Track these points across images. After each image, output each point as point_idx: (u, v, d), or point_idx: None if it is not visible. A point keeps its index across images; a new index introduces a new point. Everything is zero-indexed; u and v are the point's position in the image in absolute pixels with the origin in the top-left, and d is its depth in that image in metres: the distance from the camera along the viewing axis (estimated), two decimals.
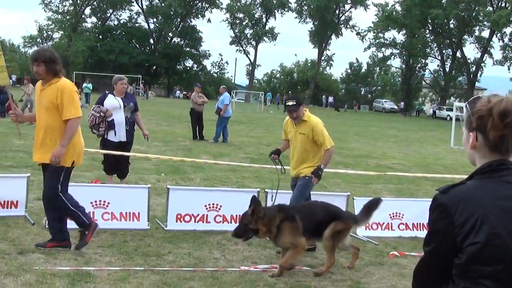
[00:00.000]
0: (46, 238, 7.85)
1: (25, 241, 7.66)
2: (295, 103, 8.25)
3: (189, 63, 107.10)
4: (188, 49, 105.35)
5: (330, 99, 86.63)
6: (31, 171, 11.22)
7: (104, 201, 8.80)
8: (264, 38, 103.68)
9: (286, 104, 8.57)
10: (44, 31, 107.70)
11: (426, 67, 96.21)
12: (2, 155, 15.20)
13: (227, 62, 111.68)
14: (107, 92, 11.54)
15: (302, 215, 7.31)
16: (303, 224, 7.20)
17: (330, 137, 8.33)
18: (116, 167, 11.39)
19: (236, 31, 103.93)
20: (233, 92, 25.30)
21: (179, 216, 8.99)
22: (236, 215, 9.23)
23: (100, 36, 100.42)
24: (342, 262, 7.91)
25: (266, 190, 9.61)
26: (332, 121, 44.57)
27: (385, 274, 7.61)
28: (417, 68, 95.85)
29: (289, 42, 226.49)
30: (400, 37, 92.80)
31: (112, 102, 11.13)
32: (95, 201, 8.76)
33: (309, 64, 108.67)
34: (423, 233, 8.73)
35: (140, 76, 74.60)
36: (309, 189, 8.47)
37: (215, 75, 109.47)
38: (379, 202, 8.02)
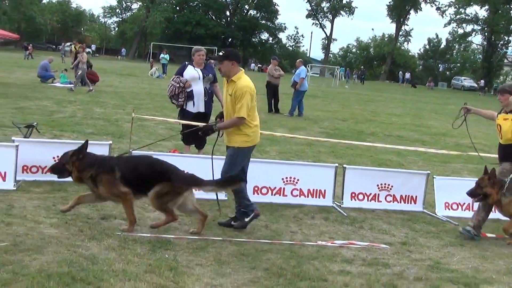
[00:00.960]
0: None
1: (106, 207, 7.82)
2: (222, 54, 7.54)
3: (264, 36, 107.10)
4: (263, 21, 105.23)
5: (407, 75, 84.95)
6: (112, 139, 11.47)
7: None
8: (341, 11, 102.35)
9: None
10: (123, 2, 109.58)
11: (509, 45, 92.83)
12: (84, 122, 15.61)
13: (302, 36, 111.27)
14: (186, 63, 11.61)
15: (123, 168, 7.03)
16: (123, 176, 6.97)
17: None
18: (195, 138, 11.48)
19: (313, 4, 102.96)
20: (308, 66, 25.05)
21: (256, 189, 9.00)
22: (314, 190, 9.21)
23: (177, 8, 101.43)
24: (421, 242, 7.77)
25: (344, 165, 9.50)
26: (408, 97, 43.78)
27: (466, 255, 7.41)
28: (499, 45, 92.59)
29: (366, 16, 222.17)
30: (482, 12, 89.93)
31: (192, 72, 11.18)
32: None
33: (386, 39, 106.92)
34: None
35: (216, 48, 74.68)
36: (240, 159, 7.52)
37: (290, 48, 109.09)
38: (239, 182, 7.35)
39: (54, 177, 7.60)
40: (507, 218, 8.25)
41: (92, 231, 6.79)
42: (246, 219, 7.52)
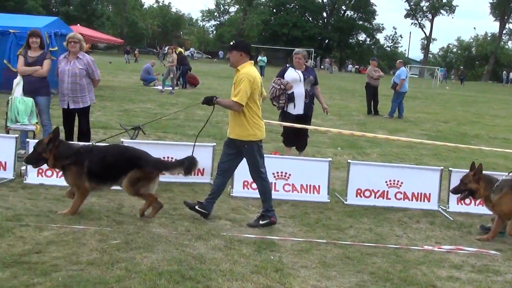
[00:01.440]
0: (230, 206, 8.17)
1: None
2: (232, 44, 7.48)
3: (361, 36, 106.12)
4: (361, 22, 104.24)
5: None
6: (214, 141, 11.66)
7: (286, 173, 8.95)
8: (441, 10, 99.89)
9: None
10: (221, 5, 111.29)
11: None
12: (186, 124, 15.98)
13: (400, 36, 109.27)
14: (287, 65, 11.65)
15: (92, 159, 7.12)
16: (91, 169, 7.07)
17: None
18: (295, 140, 11.52)
19: (412, 3, 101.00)
20: (407, 67, 24.64)
21: (359, 191, 8.93)
22: (418, 193, 9.02)
23: (274, 10, 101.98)
24: None
25: (449, 168, 9.25)
26: None
27: None
28: None
29: (468, 15, 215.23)
30: None
31: (292, 75, 11.21)
32: (277, 172, 8.93)
33: (489, 38, 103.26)
34: None
35: (313, 50, 74.81)
36: (252, 153, 7.41)
37: (388, 49, 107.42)
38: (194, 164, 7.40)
39: (160, 178, 7.76)
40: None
41: (199, 231, 6.94)
42: (261, 222, 7.41)
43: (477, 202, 8.82)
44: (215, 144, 9.92)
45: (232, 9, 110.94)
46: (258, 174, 7.46)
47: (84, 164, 7.09)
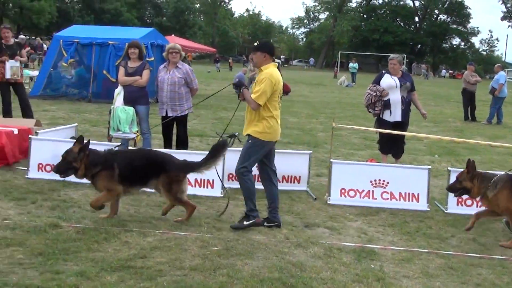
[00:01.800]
0: (328, 214, 8.12)
1: (309, 215, 7.96)
2: (256, 44, 7.41)
3: (455, 40, 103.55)
4: (455, 26, 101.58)
5: None
6: (309, 148, 11.65)
7: (384, 181, 8.80)
8: None
9: None
10: (311, 12, 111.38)
11: None
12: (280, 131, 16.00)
13: (497, 39, 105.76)
14: (383, 71, 11.48)
15: (121, 163, 7.12)
16: (121, 172, 7.10)
17: None
18: (392, 147, 11.31)
19: (508, 5, 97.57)
20: (505, 71, 23.75)
21: (460, 200, 8.66)
22: None
23: (365, 16, 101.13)
24: None
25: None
26: None
27: None
28: None
29: None
30: None
31: (388, 81, 11.03)
32: (375, 180, 8.80)
33: None
34: None
35: (405, 55, 73.38)
36: (253, 150, 7.32)
37: (484, 53, 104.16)
38: (225, 145, 7.50)
39: (260, 185, 7.79)
40: None
41: (298, 238, 6.93)
42: (245, 222, 7.27)
43: None
44: (311, 151, 9.89)
45: (322, 16, 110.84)
46: (242, 172, 7.33)
47: (114, 168, 7.15)
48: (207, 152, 7.52)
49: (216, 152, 7.35)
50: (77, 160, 7.08)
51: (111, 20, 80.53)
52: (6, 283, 5.13)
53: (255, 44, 7.46)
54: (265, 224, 7.34)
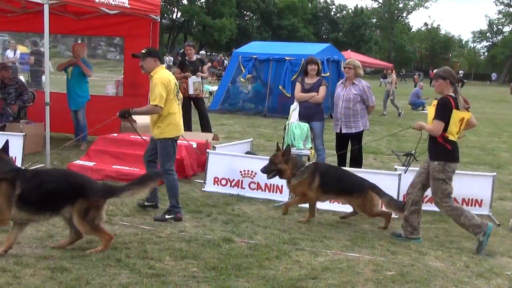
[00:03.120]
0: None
1: (492, 242, 7.36)
2: (144, 52, 7.75)
3: None
4: None
5: None
6: (491, 169, 10.92)
7: None
8: None
9: None
10: (494, 25, 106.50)
11: None
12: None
13: None
14: None
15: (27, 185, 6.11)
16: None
17: None
18: None
19: None
20: None
21: None
22: None
23: None
24: None
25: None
26: None
27: None
28: None
29: None
30: None
31: None
32: None
33: None
34: None
35: None
36: (166, 151, 7.73)
37: None
38: (156, 177, 7.07)
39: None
40: None
41: (479, 268, 6.43)
42: (167, 216, 7.63)
43: None
44: (495, 174, 9.23)
45: (506, 28, 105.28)
46: (166, 170, 7.69)
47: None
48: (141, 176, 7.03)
49: (143, 180, 6.70)
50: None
51: (288, 36, 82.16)
52: None
53: (143, 51, 7.78)
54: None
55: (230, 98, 22.86)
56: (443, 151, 7.07)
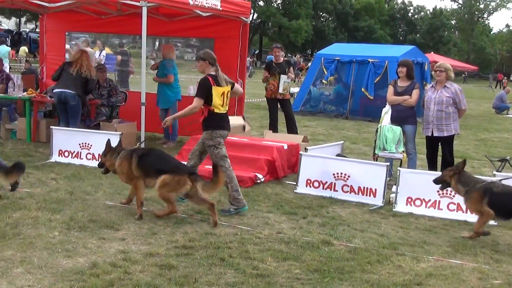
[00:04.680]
0: None
1: None
2: (197, 55, 8.29)
3: None
4: None
5: None
6: None
7: None
8: None
9: None
10: None
11: None
12: None
13: None
14: None
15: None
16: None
17: None
18: None
19: None
20: None
21: None
22: None
23: None
24: None
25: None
26: None
27: None
28: None
29: None
30: None
31: None
32: None
33: None
34: None
35: None
36: None
37: None
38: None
39: None
40: None
41: None
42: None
43: None
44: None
45: None
46: None
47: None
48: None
49: (13, 168, 7.52)
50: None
51: (364, 37, 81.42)
52: None
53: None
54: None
55: (312, 99, 22.85)
56: None
